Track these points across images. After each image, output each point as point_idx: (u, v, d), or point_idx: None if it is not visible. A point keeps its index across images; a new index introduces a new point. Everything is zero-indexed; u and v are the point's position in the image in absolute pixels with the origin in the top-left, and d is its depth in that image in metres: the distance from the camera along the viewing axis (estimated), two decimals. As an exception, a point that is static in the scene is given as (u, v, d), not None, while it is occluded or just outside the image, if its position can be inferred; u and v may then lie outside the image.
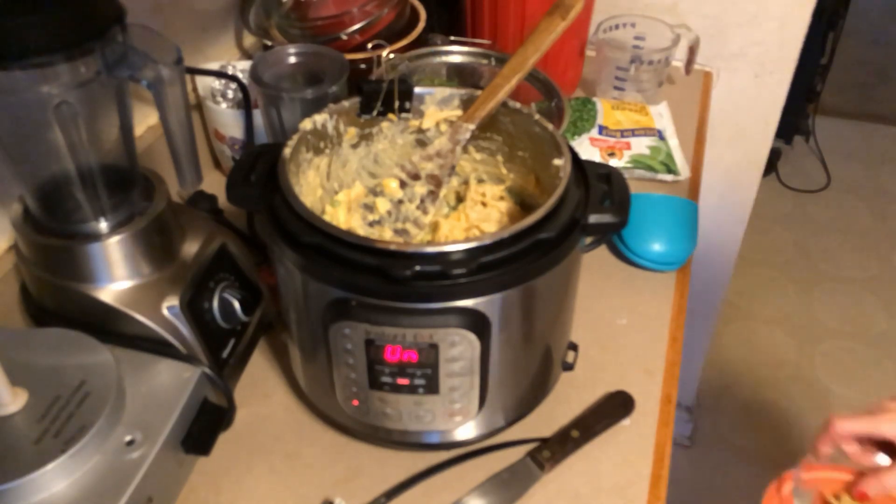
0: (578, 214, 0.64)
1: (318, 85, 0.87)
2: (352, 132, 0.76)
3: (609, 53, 1.18)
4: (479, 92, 0.75)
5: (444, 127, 0.77)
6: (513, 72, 0.74)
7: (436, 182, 0.76)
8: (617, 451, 0.73)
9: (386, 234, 0.75)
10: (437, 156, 0.75)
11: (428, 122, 0.77)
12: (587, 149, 1.09)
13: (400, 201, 0.76)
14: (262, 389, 0.79)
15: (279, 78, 0.91)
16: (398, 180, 0.76)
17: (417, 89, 0.76)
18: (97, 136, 0.67)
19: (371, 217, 0.75)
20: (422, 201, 0.76)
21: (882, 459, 0.65)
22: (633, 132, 1.12)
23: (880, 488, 0.63)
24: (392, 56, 1.02)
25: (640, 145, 1.10)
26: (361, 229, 0.75)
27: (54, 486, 0.58)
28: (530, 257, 0.60)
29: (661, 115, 1.16)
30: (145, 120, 0.98)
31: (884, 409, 0.64)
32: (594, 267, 0.92)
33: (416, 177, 0.76)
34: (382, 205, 0.76)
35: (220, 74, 0.99)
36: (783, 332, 2.28)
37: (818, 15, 1.40)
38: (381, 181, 0.78)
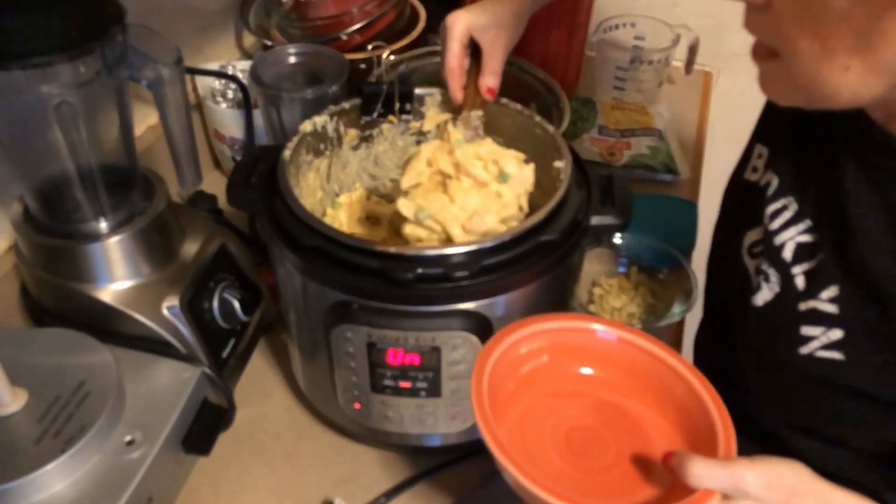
0: (580, 216, 0.64)
1: (318, 85, 0.87)
2: (352, 134, 0.76)
3: (609, 53, 1.18)
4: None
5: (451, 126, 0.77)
6: None
7: None
8: (617, 453, 0.73)
9: None
10: None
11: (429, 125, 0.77)
12: (587, 149, 1.09)
13: None
14: (262, 389, 0.79)
15: (279, 78, 0.91)
16: None
17: (418, 90, 0.76)
18: (97, 136, 0.67)
19: None
20: None
21: None
22: (633, 132, 1.12)
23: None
24: (392, 57, 1.02)
25: (640, 145, 1.10)
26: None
27: (54, 486, 0.58)
28: (532, 259, 0.60)
29: (661, 115, 1.16)
30: (145, 120, 0.98)
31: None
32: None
33: None
34: None
35: (220, 74, 0.99)
36: (782, 332, 2.28)
37: (818, 15, 1.39)
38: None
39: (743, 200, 0.68)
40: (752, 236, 0.66)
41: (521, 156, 0.67)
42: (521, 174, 0.65)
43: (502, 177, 0.64)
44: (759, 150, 0.68)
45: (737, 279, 0.67)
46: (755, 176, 0.67)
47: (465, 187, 0.64)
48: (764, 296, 0.62)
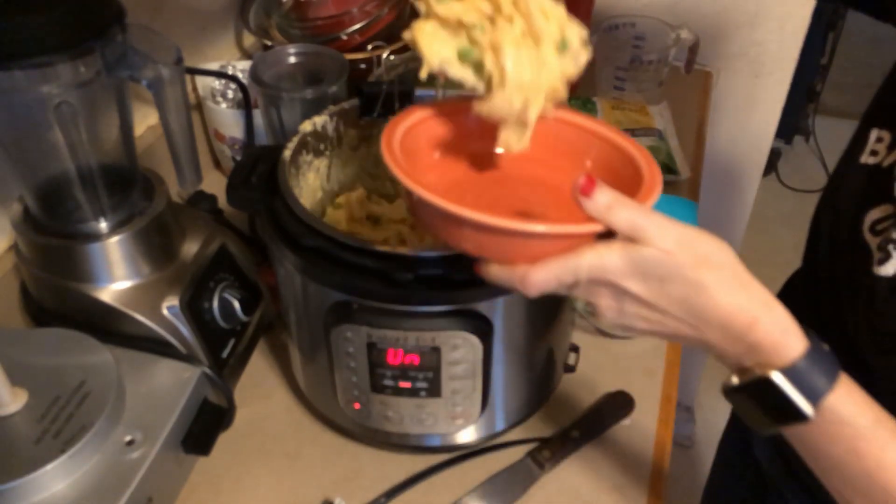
0: (579, 216, 0.64)
1: (317, 85, 0.87)
2: (352, 134, 0.76)
3: (609, 53, 1.18)
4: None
5: None
6: None
7: None
8: (617, 451, 0.73)
9: None
10: None
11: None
12: (587, 149, 1.09)
13: None
14: (262, 389, 0.79)
15: (279, 78, 0.91)
16: None
17: (418, 91, 0.76)
18: (97, 136, 0.67)
19: None
20: None
21: None
22: (633, 132, 1.12)
23: None
24: (392, 56, 1.02)
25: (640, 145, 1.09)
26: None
27: (54, 486, 0.58)
28: (531, 259, 0.60)
29: (661, 115, 1.16)
30: (145, 120, 0.98)
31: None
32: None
33: None
34: None
35: (220, 74, 0.99)
36: (782, 332, 2.28)
37: (818, 15, 1.40)
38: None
39: (862, 183, 0.69)
40: (874, 214, 0.66)
41: (585, 36, 0.56)
42: (578, 53, 0.55)
43: (563, 44, 0.54)
44: (878, 134, 0.68)
45: (855, 257, 0.67)
46: (874, 159, 0.68)
47: (513, 35, 0.52)
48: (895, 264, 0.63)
